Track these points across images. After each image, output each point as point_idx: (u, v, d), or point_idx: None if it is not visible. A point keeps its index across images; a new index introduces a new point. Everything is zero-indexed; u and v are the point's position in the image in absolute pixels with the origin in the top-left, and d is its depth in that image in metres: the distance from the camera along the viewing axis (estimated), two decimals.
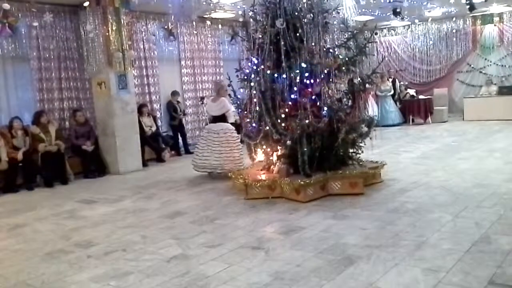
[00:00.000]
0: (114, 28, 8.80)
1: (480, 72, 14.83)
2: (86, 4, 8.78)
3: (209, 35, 12.10)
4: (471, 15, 14.16)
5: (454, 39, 15.23)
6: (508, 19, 14.22)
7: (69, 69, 9.35)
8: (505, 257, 3.56)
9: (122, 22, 8.94)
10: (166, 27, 11.05)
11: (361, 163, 6.48)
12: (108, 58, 8.83)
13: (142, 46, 10.62)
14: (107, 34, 8.74)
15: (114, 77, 8.90)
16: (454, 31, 15.16)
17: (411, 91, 14.50)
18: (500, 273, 3.30)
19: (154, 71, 10.93)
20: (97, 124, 9.24)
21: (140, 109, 9.93)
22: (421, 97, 14.23)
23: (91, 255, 4.35)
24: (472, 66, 15.05)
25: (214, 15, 11.41)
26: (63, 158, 8.29)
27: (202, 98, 11.65)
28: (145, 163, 9.55)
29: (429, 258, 3.68)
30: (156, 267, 3.91)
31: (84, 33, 8.96)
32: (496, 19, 14.45)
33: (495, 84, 14.07)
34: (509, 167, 6.74)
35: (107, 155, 9.06)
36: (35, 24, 8.70)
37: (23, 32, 8.69)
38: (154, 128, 10.18)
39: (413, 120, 13.94)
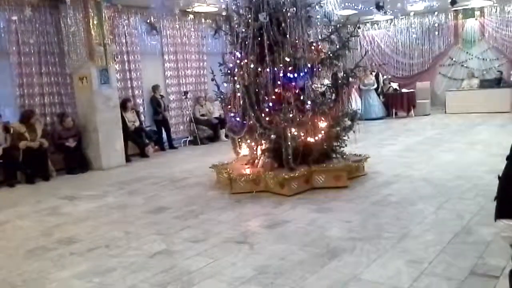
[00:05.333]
0: (95, 22, 8.67)
1: (462, 65, 15.00)
2: None
3: (192, 29, 12.01)
4: (453, 9, 14.32)
5: (436, 33, 15.36)
6: (489, 13, 14.39)
7: (49, 64, 9.18)
8: (486, 248, 3.61)
9: (104, 16, 8.82)
10: (148, 21, 10.92)
11: (344, 156, 6.51)
12: (89, 53, 8.70)
13: (124, 40, 10.48)
14: (88, 28, 8.61)
15: (96, 72, 8.78)
16: (436, 25, 15.29)
17: (394, 85, 14.61)
18: (481, 263, 3.35)
19: (137, 65, 10.81)
20: (79, 120, 9.12)
21: (124, 104, 9.83)
22: (404, 90, 14.35)
23: (74, 252, 4.30)
24: (454, 59, 15.22)
25: (196, 9, 11.32)
26: (45, 154, 8.17)
27: (186, 93, 11.62)
28: (128, 159, 9.47)
29: (412, 250, 3.71)
30: (140, 263, 3.89)
31: (64, 27, 8.81)
32: (477, 13, 14.62)
33: (476, 77, 14.25)
34: (491, 159, 6.84)
35: (90, 151, 8.96)
36: (14, 18, 8.54)
37: (1, 27, 8.51)
38: (137, 123, 10.09)
39: (396, 114, 14.05)
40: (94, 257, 4.12)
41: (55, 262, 4.07)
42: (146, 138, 10.37)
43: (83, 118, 9.04)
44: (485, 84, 13.68)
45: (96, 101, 8.80)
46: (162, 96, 11.10)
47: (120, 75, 10.25)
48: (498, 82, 13.54)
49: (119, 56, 10.21)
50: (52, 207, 6.12)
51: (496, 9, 14.21)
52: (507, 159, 1.40)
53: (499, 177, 1.44)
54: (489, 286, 3.00)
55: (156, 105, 10.91)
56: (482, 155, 7.32)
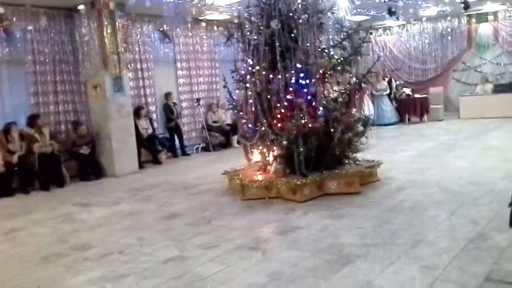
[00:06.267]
0: (109, 31, 8.79)
1: (476, 70, 14.87)
2: (81, 7, 8.77)
3: (205, 37, 12.10)
4: (466, 13, 14.22)
5: (449, 38, 15.27)
6: (503, 17, 14.28)
7: (64, 72, 9.33)
8: (501, 254, 3.56)
9: (117, 25, 8.93)
10: (161, 29, 11.05)
11: (357, 162, 6.48)
12: (103, 61, 8.82)
13: (137, 49, 10.60)
14: (102, 37, 8.73)
15: (109, 80, 8.89)
16: (449, 30, 15.20)
17: (407, 90, 14.52)
18: (496, 269, 3.31)
19: (150, 73, 10.91)
20: (93, 127, 9.22)
21: (137, 111, 9.93)
22: (417, 96, 14.25)
23: (88, 258, 4.34)
24: (467, 64, 15.10)
25: (209, 16, 11.41)
26: (59, 161, 8.27)
27: (198, 100, 11.68)
28: (141, 165, 9.54)
29: (426, 256, 3.68)
30: (152, 269, 3.91)
31: (79, 36, 8.94)
32: (490, 17, 14.51)
33: (490, 82, 14.10)
34: (505, 165, 6.76)
35: (103, 158, 9.05)
36: (30, 27, 8.69)
37: (18, 36, 8.66)
38: (150, 130, 10.18)
39: (409, 119, 13.96)
40: (107, 263, 4.15)
41: (69, 268, 4.11)
42: (159, 145, 10.45)
43: (97, 125, 9.14)
44: (499, 88, 13.52)
45: (110, 109, 8.89)
46: (174, 103, 11.18)
47: (133, 83, 10.36)
48: None
49: (132, 64, 10.32)
50: (67, 214, 6.19)
51: (510, 13, 14.09)
52: None
53: None
54: None
55: (169, 112, 10.99)
56: (496, 161, 7.23)
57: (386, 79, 14.66)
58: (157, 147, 10.32)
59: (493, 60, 14.58)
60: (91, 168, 8.84)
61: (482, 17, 14.65)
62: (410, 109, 14.02)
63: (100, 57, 8.81)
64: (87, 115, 9.47)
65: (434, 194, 5.58)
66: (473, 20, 14.87)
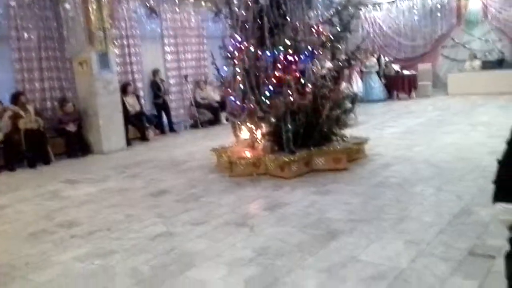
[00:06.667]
0: (94, 6, 8.61)
1: (464, 47, 14.86)
2: None
3: (192, 13, 11.92)
4: None
5: (439, 14, 15.20)
6: None
7: (49, 49, 9.15)
8: (485, 229, 3.62)
9: (103, 0, 8.75)
10: (148, 4, 10.84)
11: (345, 139, 6.50)
12: (89, 37, 8.66)
13: (123, 25, 10.41)
14: (87, 12, 8.55)
15: (95, 56, 8.74)
16: (438, 6, 15.12)
17: (396, 67, 14.53)
18: (480, 244, 3.37)
19: (137, 49, 10.75)
20: (79, 104, 9.11)
21: (124, 88, 9.82)
22: (405, 72, 14.28)
23: (75, 235, 4.33)
24: (456, 41, 15.08)
25: None
26: (44, 138, 8.19)
27: (186, 77, 11.58)
28: (129, 142, 9.49)
29: (411, 231, 3.73)
30: (141, 246, 3.92)
31: (63, 12, 8.75)
32: None
33: (479, 58, 14.13)
34: (492, 140, 6.82)
35: (90, 135, 8.97)
36: (13, 3, 8.48)
37: (0, 12, 8.46)
38: (137, 107, 10.09)
39: (397, 96, 14.00)
40: (95, 240, 4.15)
41: (56, 245, 4.10)
42: (147, 122, 10.38)
43: (84, 102, 9.03)
44: (487, 65, 13.58)
45: (96, 86, 8.78)
46: (162, 80, 11.08)
47: (120, 59, 10.20)
48: (500, 64, 13.44)
49: (119, 41, 10.15)
50: (53, 191, 6.15)
51: None
52: (507, 143, 1.39)
53: (498, 161, 1.44)
54: (486, 266, 3.01)
55: (157, 89, 10.89)
56: (483, 137, 7.30)
57: (375, 55, 14.62)
58: (144, 124, 10.25)
59: (481, 36, 14.57)
60: (78, 145, 8.76)
61: None
62: (399, 85, 14.07)
63: (85, 33, 8.64)
64: (73, 92, 9.34)
65: (421, 170, 5.63)
66: None
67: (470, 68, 13.88)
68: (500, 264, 2.91)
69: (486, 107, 10.64)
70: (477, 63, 13.90)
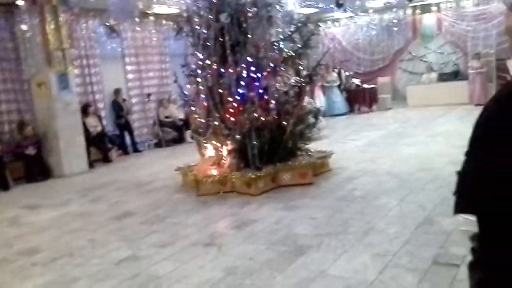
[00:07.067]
0: (52, 26, 8.46)
1: (421, 60, 15.34)
2: (20, 2, 8.37)
3: (153, 31, 11.85)
4: (410, 5, 14.62)
5: (396, 28, 15.64)
6: (445, 8, 14.77)
7: (5, 70, 8.95)
8: (447, 237, 3.70)
9: (61, 20, 8.61)
10: (107, 24, 10.73)
11: (309, 153, 6.56)
12: (47, 58, 8.49)
13: (83, 44, 10.27)
14: (45, 33, 8.39)
15: (54, 77, 8.56)
16: (395, 21, 15.57)
17: (356, 81, 14.84)
18: (443, 253, 3.44)
19: (97, 69, 10.61)
20: (39, 127, 8.87)
21: (85, 109, 9.64)
22: (366, 86, 14.59)
23: (37, 263, 4.18)
24: (413, 54, 15.55)
25: (157, 10, 11.18)
26: (2, 163, 7.92)
27: (149, 95, 11.48)
28: (91, 164, 9.28)
29: (377, 243, 3.77)
30: (105, 271, 3.81)
31: (20, 32, 8.56)
32: (434, 8, 14.97)
33: (435, 71, 14.59)
34: (451, 151, 7.01)
35: (51, 158, 8.73)
36: None
37: None
38: (99, 128, 9.91)
39: (359, 109, 14.26)
40: (57, 267, 4.01)
41: (16, 274, 3.95)
42: (109, 142, 10.21)
43: (43, 125, 8.81)
44: (443, 77, 14.03)
45: (56, 107, 8.58)
46: (124, 100, 10.93)
47: (80, 79, 10.05)
48: (455, 75, 13.92)
49: (79, 61, 9.99)
50: (12, 217, 5.94)
51: (452, 4, 14.60)
52: (465, 155, 1.42)
53: (458, 173, 1.47)
54: (451, 274, 3.07)
55: (118, 109, 10.73)
56: (443, 147, 7.50)
57: (336, 70, 14.90)
58: (107, 145, 10.07)
59: (437, 49, 15.08)
60: (38, 169, 8.51)
61: (426, 8, 15.10)
62: (360, 99, 14.35)
63: (43, 54, 8.48)
64: (32, 114, 9.10)
65: (384, 182, 5.73)
66: (418, 11, 15.29)
67: (428, 81, 14.31)
68: (464, 272, 2.98)
69: (444, 118, 10.97)
70: (433, 75, 14.35)
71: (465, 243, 3.34)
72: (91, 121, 9.76)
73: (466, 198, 1.44)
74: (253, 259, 3.73)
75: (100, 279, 3.65)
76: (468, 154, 1.43)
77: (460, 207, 1.43)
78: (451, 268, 3.16)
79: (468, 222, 1.39)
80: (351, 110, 14.32)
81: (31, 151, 8.40)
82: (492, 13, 13.54)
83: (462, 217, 1.43)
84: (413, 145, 8.00)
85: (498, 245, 1.30)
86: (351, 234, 4.05)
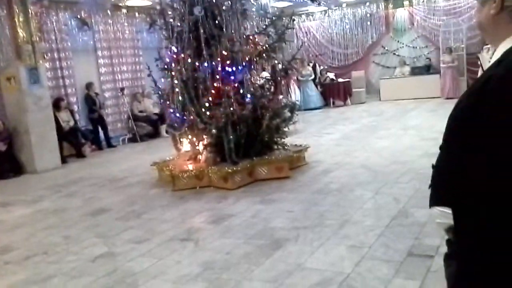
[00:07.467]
0: (21, 19, 8.23)
1: (394, 54, 15.54)
2: None
3: (126, 24, 11.67)
4: None
5: (369, 23, 15.80)
6: (417, 2, 14.98)
7: None
8: (422, 229, 3.78)
9: (30, 13, 8.39)
10: (79, 16, 10.51)
11: (286, 147, 6.59)
12: (16, 51, 8.27)
13: (54, 37, 10.04)
14: (13, 25, 8.17)
15: (24, 71, 8.35)
16: (368, 15, 15.73)
17: (331, 75, 14.95)
18: (417, 244, 3.51)
19: (69, 63, 10.38)
20: (9, 122, 8.66)
21: (56, 103, 9.44)
22: (340, 80, 14.72)
23: (9, 261, 4.09)
24: (386, 48, 15.73)
25: (129, 2, 11.03)
26: None
27: (122, 89, 11.32)
28: (64, 160, 9.10)
29: (353, 235, 3.82)
30: (80, 268, 3.76)
31: None
32: (406, 2, 15.17)
33: (408, 65, 14.81)
34: (423, 143, 7.15)
35: (22, 154, 8.53)
36: None
37: None
38: (71, 123, 9.73)
39: (333, 103, 14.39)
40: (31, 265, 3.94)
41: None
42: (82, 137, 10.02)
43: (13, 119, 8.59)
44: (416, 71, 14.26)
45: (26, 102, 8.37)
46: (97, 94, 10.74)
47: (51, 73, 9.84)
48: (427, 69, 14.17)
49: (49, 54, 9.76)
50: None
51: None
52: (440, 148, 1.45)
53: (433, 166, 1.49)
54: (425, 265, 3.14)
55: (91, 103, 10.53)
56: (415, 140, 7.64)
57: (311, 64, 14.98)
58: (80, 140, 9.88)
59: (409, 44, 15.29)
60: (8, 165, 8.29)
61: (398, 3, 15.28)
62: (334, 93, 14.47)
63: (12, 47, 8.25)
64: (2, 108, 8.85)
65: (359, 175, 5.80)
66: (390, 6, 15.47)
67: (400, 74, 14.53)
68: (438, 263, 3.05)
69: (417, 111, 11.16)
70: (406, 69, 14.57)
71: (439, 235, 3.41)
72: (64, 115, 9.58)
73: (441, 191, 1.47)
74: (231, 253, 3.73)
75: (75, 276, 3.60)
76: (443, 147, 1.46)
77: (436, 200, 1.46)
78: (425, 259, 3.22)
79: (444, 215, 1.41)
80: (325, 104, 14.43)
81: (1, 147, 8.19)
82: (463, 7, 13.82)
83: (437, 209, 1.45)
84: (387, 138, 8.12)
85: (473, 237, 1.33)
86: (328, 226, 4.09)
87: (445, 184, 1.45)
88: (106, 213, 5.32)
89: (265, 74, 7.22)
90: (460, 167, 1.37)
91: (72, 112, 9.98)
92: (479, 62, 11.66)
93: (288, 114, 6.80)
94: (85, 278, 3.54)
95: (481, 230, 1.31)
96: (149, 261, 3.74)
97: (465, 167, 1.35)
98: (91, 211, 5.47)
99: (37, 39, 8.56)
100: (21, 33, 8.25)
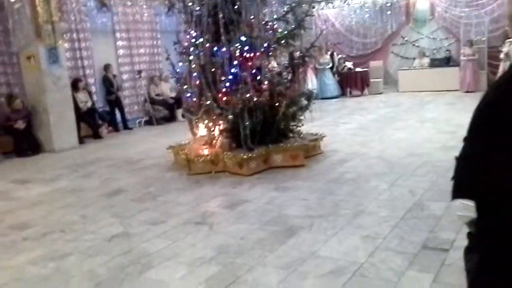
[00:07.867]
0: None
1: (413, 44, 15.34)
2: None
3: (145, 6, 11.67)
4: None
5: (389, 12, 15.60)
6: None
7: None
8: (437, 222, 3.76)
9: None
10: None
11: (301, 135, 6.58)
12: (36, 31, 8.33)
13: (73, 18, 10.08)
14: (34, 4, 8.22)
15: (44, 51, 8.42)
16: (388, 4, 15.51)
17: (349, 64, 14.82)
18: (432, 237, 3.50)
19: (87, 44, 10.43)
20: (28, 101, 8.76)
21: (75, 84, 9.52)
22: (358, 69, 14.59)
23: (28, 237, 4.17)
24: (405, 39, 15.54)
25: None
26: None
27: (140, 72, 11.36)
28: (81, 140, 9.21)
29: (367, 226, 3.82)
30: (97, 247, 3.82)
31: (8, 3, 8.37)
32: None
33: (427, 56, 14.62)
34: (441, 136, 7.09)
35: (40, 133, 8.65)
36: None
37: None
38: (89, 104, 9.82)
39: (350, 92, 14.29)
40: (49, 242, 4.01)
41: (7, 249, 3.94)
42: (99, 119, 10.12)
43: (32, 98, 8.70)
44: (435, 63, 14.07)
45: (46, 81, 8.46)
46: (114, 76, 10.81)
47: (70, 54, 9.90)
48: (447, 61, 13.97)
49: (68, 34, 9.82)
50: (3, 192, 5.90)
51: None
52: (464, 140, 1.44)
53: (456, 158, 1.48)
54: (440, 258, 3.13)
55: (109, 84, 10.61)
56: (432, 132, 7.57)
57: (329, 53, 14.86)
58: (97, 121, 9.99)
59: (429, 35, 15.08)
60: (27, 143, 8.43)
61: None
62: (352, 82, 14.37)
63: (32, 26, 8.31)
64: (21, 87, 8.96)
65: (375, 166, 5.77)
66: None
67: (419, 66, 14.35)
68: (453, 257, 3.05)
69: (435, 104, 11.04)
70: (425, 60, 14.38)
71: (454, 228, 3.41)
72: (81, 96, 9.67)
73: (464, 184, 1.46)
74: (245, 238, 3.76)
75: (92, 255, 3.66)
76: (467, 139, 1.45)
77: (459, 192, 1.45)
78: (440, 253, 3.21)
79: (466, 207, 1.40)
80: (342, 93, 14.34)
81: (20, 125, 8.31)
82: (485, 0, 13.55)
83: (460, 202, 1.44)
84: (404, 129, 8.06)
85: (496, 234, 1.33)
86: (342, 216, 4.10)
87: (468, 178, 1.44)
88: (122, 194, 5.39)
89: (283, 61, 7.18)
90: (483, 163, 1.36)
91: (90, 93, 10.07)
92: (501, 56, 11.46)
93: (304, 102, 6.78)
94: (101, 257, 3.60)
95: (503, 227, 1.31)
96: (164, 243, 3.79)
97: (487, 164, 1.34)
98: (107, 191, 5.54)
99: (57, 19, 8.60)
100: (41, 12, 8.29)
